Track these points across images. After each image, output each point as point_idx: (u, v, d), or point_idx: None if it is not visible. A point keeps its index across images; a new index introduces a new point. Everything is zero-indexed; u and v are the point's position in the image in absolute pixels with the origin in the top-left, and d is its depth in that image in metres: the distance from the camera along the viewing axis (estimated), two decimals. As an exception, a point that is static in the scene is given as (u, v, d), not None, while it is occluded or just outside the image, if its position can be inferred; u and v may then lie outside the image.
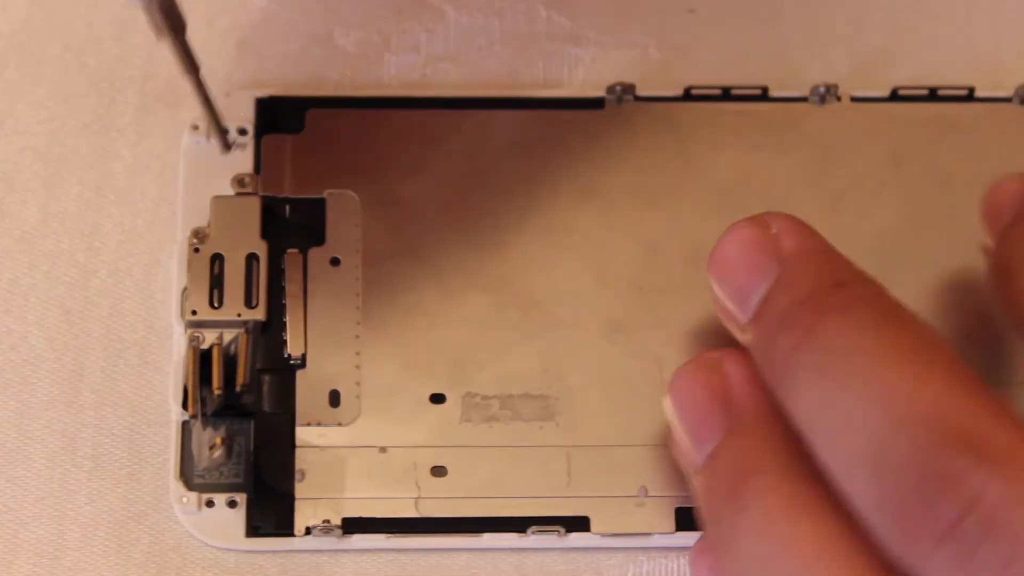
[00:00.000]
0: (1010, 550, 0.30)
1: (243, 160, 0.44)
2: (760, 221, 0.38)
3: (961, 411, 0.32)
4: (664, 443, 0.41)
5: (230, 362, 0.40)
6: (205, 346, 0.41)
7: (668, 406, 0.38)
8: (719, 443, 0.36)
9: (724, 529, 0.35)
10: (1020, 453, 0.31)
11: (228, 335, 0.41)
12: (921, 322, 0.35)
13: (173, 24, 0.37)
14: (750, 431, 0.36)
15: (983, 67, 0.46)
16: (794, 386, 0.35)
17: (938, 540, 0.31)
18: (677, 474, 0.41)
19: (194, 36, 0.38)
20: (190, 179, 0.43)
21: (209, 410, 0.40)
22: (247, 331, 0.41)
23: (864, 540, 0.34)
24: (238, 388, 0.40)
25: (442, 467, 0.41)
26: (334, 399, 0.41)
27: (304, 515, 0.40)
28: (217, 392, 0.40)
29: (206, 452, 0.40)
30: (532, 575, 0.41)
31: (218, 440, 0.40)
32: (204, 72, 0.42)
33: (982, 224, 0.40)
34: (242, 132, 0.44)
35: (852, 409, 0.33)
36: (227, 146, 0.42)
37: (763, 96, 0.45)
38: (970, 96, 0.45)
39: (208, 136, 0.43)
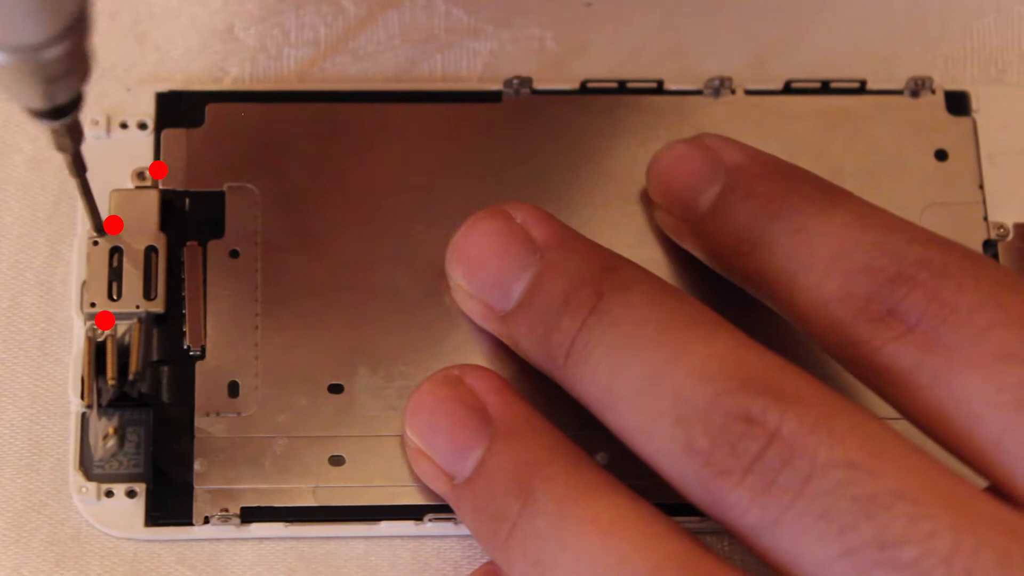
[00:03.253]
0: (807, 471, 0.33)
1: (143, 154, 0.44)
2: (502, 212, 0.40)
3: (751, 363, 0.35)
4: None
5: (125, 353, 0.40)
6: (102, 338, 0.41)
7: (413, 427, 0.39)
8: (487, 449, 0.38)
9: (511, 527, 0.36)
10: (806, 393, 0.35)
11: (125, 327, 0.41)
12: (691, 297, 0.38)
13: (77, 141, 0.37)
14: (519, 431, 0.38)
15: (875, 60, 0.47)
16: (585, 363, 0.37)
17: (743, 473, 0.34)
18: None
19: (95, 30, 0.38)
20: (90, 173, 0.43)
21: (104, 400, 0.41)
22: (139, 322, 0.41)
23: (654, 509, 0.35)
24: (131, 378, 0.40)
25: (340, 456, 0.41)
26: (233, 390, 0.42)
27: (203, 504, 0.41)
28: (111, 382, 0.40)
29: (101, 442, 0.40)
30: (430, 562, 0.41)
31: (111, 430, 0.40)
32: (106, 66, 0.42)
33: (657, 191, 0.42)
34: (142, 127, 0.44)
35: (649, 370, 0.36)
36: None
37: (659, 89, 0.46)
38: (862, 89, 0.46)
39: (108, 132, 0.44)
